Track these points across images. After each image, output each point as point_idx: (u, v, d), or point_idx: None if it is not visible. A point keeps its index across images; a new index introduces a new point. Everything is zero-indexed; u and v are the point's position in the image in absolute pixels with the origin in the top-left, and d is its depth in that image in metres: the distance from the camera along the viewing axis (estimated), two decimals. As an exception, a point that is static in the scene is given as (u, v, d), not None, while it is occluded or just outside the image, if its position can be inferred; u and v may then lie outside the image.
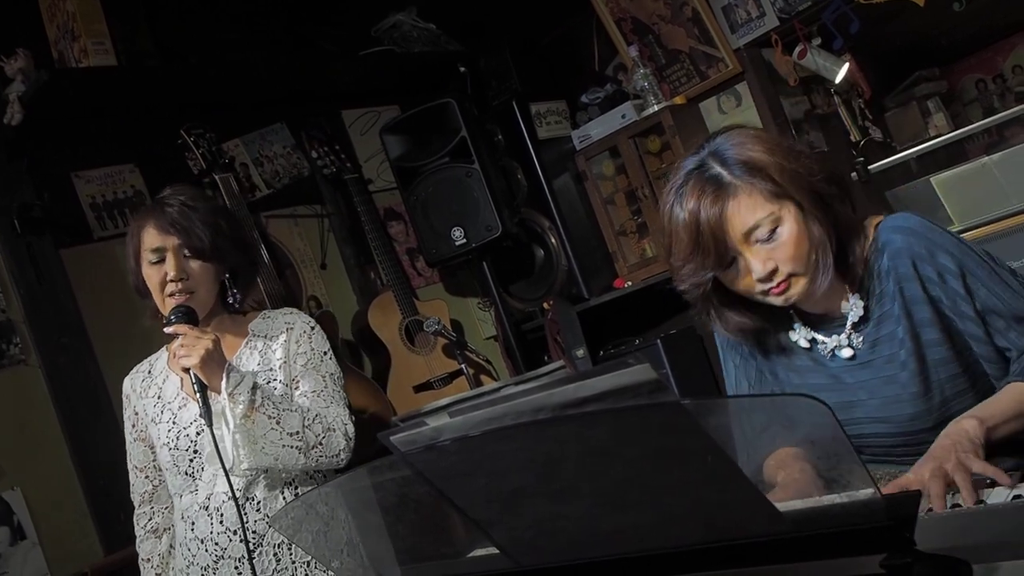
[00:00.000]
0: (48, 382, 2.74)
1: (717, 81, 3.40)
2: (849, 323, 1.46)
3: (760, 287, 1.38)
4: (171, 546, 1.99)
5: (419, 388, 3.28)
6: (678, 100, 3.45)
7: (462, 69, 3.66)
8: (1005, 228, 2.69)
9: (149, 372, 2.03)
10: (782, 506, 0.80)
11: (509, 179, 3.62)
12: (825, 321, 1.49)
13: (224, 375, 1.78)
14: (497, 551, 0.97)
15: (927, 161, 3.28)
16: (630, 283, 3.54)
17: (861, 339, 1.46)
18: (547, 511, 0.91)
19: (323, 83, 3.55)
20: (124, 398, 2.04)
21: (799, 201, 1.36)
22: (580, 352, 3.45)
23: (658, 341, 3.37)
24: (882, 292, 1.43)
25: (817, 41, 3.30)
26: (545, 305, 3.68)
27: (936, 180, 2.90)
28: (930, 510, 1.12)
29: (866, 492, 0.78)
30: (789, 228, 1.35)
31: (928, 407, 1.41)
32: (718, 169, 1.37)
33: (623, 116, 3.50)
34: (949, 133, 3.44)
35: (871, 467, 1.46)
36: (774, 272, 1.36)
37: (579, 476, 0.86)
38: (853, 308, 1.45)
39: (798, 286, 1.38)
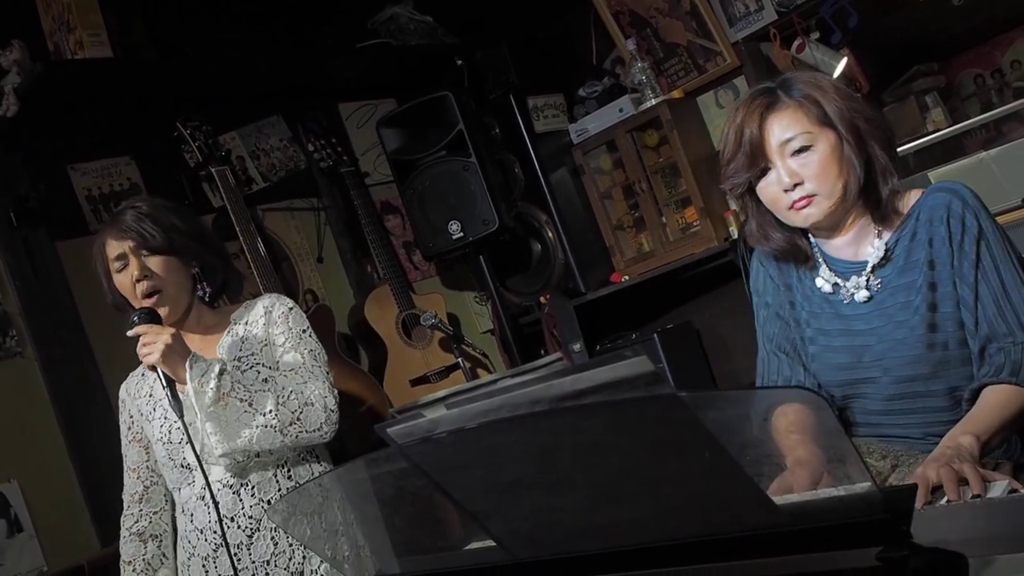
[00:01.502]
0: (44, 375, 2.73)
1: (715, 75, 3.40)
2: (869, 265, 1.54)
3: (785, 198, 1.50)
4: (163, 555, 1.99)
5: (415, 382, 3.27)
6: (676, 94, 3.45)
7: (459, 62, 3.65)
8: (1002, 224, 2.68)
9: (142, 375, 2.06)
10: (779, 499, 0.80)
11: (506, 173, 3.61)
12: (849, 267, 1.58)
13: (187, 366, 1.79)
14: (494, 543, 0.97)
15: (924, 156, 3.28)
16: (627, 277, 3.54)
17: (880, 282, 1.54)
18: (544, 503, 0.91)
19: (321, 78, 3.54)
20: (120, 403, 2.07)
21: (841, 133, 1.49)
22: (577, 346, 3.45)
23: (655, 335, 3.37)
24: (914, 242, 1.51)
25: (815, 35, 3.29)
26: (542, 299, 3.68)
27: (934, 175, 2.90)
28: (929, 503, 1.13)
29: (863, 485, 0.78)
30: (823, 151, 1.48)
31: (930, 354, 1.48)
32: (779, 91, 1.54)
33: (620, 110, 3.49)
34: (947, 128, 3.43)
35: (861, 441, 1.53)
36: (798, 185, 1.49)
37: (576, 468, 0.86)
38: (876, 252, 1.53)
39: (819, 207, 1.49)
